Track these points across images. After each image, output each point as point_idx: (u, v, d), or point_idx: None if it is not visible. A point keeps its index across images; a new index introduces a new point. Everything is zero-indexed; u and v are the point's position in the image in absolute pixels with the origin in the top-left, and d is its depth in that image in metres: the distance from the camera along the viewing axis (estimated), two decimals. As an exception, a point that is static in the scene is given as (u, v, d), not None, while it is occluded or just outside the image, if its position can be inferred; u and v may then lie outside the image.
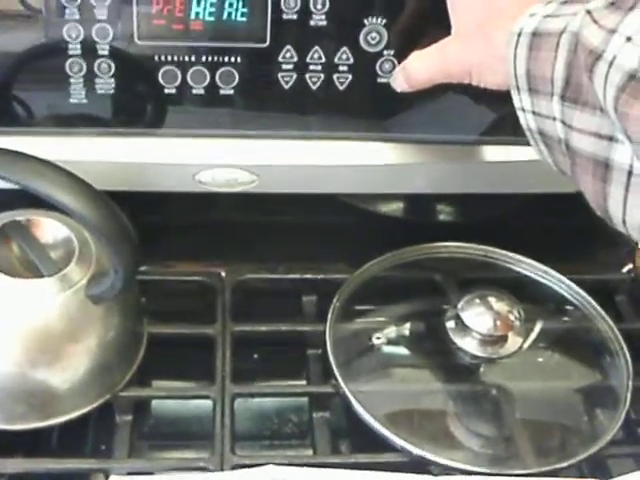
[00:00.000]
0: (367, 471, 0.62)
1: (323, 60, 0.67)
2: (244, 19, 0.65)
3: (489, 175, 0.74)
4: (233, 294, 0.76)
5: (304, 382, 0.73)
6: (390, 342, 0.73)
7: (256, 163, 0.71)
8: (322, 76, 0.68)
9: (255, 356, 0.77)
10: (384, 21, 0.66)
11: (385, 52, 0.67)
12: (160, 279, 0.77)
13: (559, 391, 0.72)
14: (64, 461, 0.64)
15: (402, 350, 0.74)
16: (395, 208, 0.86)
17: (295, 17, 0.65)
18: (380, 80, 0.68)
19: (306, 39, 0.66)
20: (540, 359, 0.74)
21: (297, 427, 0.72)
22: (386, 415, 0.66)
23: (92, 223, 0.58)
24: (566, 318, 0.77)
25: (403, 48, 0.65)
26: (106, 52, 0.65)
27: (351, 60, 0.67)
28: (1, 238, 0.65)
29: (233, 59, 0.67)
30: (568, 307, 0.77)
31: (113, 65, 0.66)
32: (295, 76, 0.67)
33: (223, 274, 0.78)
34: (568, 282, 0.77)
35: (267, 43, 0.66)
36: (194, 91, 0.68)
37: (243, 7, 0.65)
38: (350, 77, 0.68)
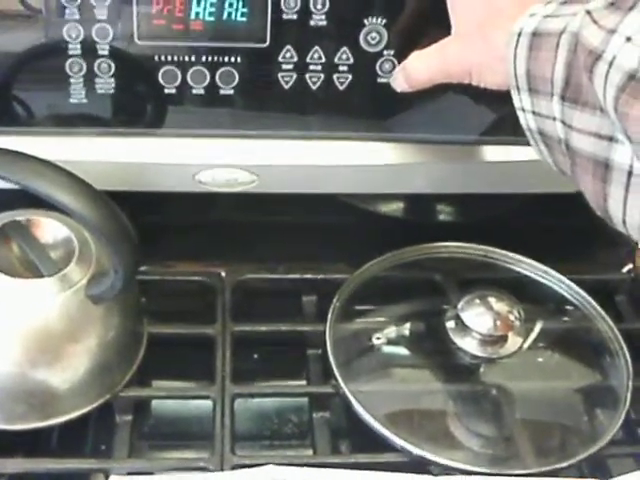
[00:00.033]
0: (367, 471, 0.62)
1: (323, 60, 0.67)
2: (244, 19, 0.65)
3: (489, 175, 0.74)
4: (233, 294, 0.76)
5: (304, 382, 0.73)
6: (390, 342, 0.73)
7: (256, 163, 0.71)
8: (322, 76, 0.68)
9: (255, 356, 0.77)
10: (384, 21, 0.66)
11: (385, 52, 0.67)
12: (160, 279, 0.77)
13: (559, 391, 0.72)
14: (64, 461, 0.64)
15: (402, 350, 0.74)
16: (395, 208, 0.86)
17: (295, 17, 0.65)
18: (380, 80, 0.68)
19: (306, 39, 0.66)
20: (540, 359, 0.74)
21: (297, 427, 0.72)
22: (386, 415, 0.66)
23: (92, 223, 0.58)
24: (566, 318, 0.77)
25: (403, 48, 0.65)
26: (106, 52, 0.65)
27: (351, 60, 0.67)
28: (1, 238, 0.65)
29: (233, 59, 0.67)
30: (568, 307, 0.77)
31: (113, 65, 0.66)
32: (295, 76, 0.67)
33: (223, 274, 0.78)
34: (568, 282, 0.77)
35: (267, 43, 0.66)
36: (194, 91, 0.68)
37: (243, 7, 0.65)
38: (350, 77, 0.68)
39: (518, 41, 0.53)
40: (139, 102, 0.69)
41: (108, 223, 0.58)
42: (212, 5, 0.64)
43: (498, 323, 0.70)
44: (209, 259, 0.81)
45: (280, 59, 0.67)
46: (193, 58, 0.66)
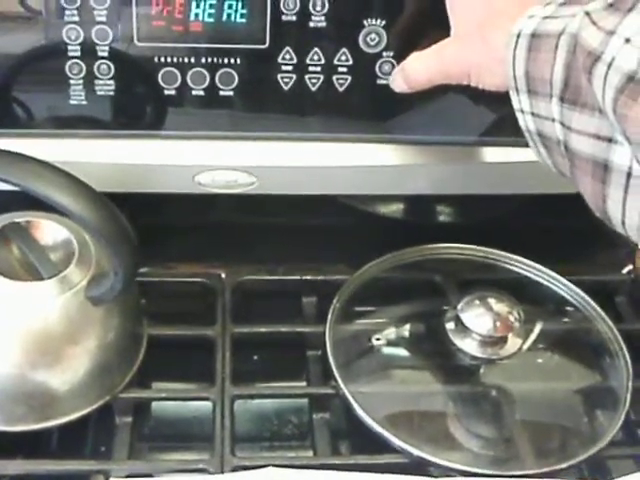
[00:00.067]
0: (367, 472, 0.62)
1: (322, 61, 0.67)
2: (243, 20, 0.65)
3: (489, 176, 0.74)
4: (233, 295, 0.76)
5: (304, 383, 0.73)
6: (390, 343, 0.73)
7: (256, 164, 0.71)
8: (321, 77, 0.68)
9: (255, 357, 0.77)
10: (383, 22, 0.66)
11: (384, 53, 0.67)
12: (160, 280, 0.77)
13: (559, 392, 0.72)
14: (64, 462, 0.64)
15: (402, 351, 0.74)
16: (395, 209, 0.86)
17: (294, 18, 0.65)
18: (379, 81, 0.68)
19: (305, 40, 0.66)
20: (540, 360, 0.74)
21: (297, 428, 0.72)
22: (386, 416, 0.66)
23: (92, 225, 0.58)
24: (566, 319, 0.77)
25: (402, 49, 0.65)
26: (106, 54, 0.65)
27: (350, 61, 0.67)
28: (1, 240, 0.65)
29: (233, 60, 0.67)
30: (568, 308, 0.77)
31: (113, 67, 0.66)
32: (294, 77, 0.67)
33: (223, 275, 0.78)
34: (568, 283, 0.77)
35: (266, 44, 0.66)
36: (194, 92, 0.68)
37: (242, 8, 0.65)
38: (349, 78, 0.68)
39: (517, 42, 0.53)
40: (139, 104, 0.69)
41: (108, 225, 0.58)
42: (211, 6, 0.65)
43: (498, 324, 0.70)
44: (209, 260, 0.81)
45: (279, 60, 0.67)
46: (193, 59, 0.66)
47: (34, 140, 0.67)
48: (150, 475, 0.64)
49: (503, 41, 0.54)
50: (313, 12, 0.65)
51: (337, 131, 0.71)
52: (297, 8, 0.65)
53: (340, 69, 0.67)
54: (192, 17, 0.65)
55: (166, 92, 0.67)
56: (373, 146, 0.71)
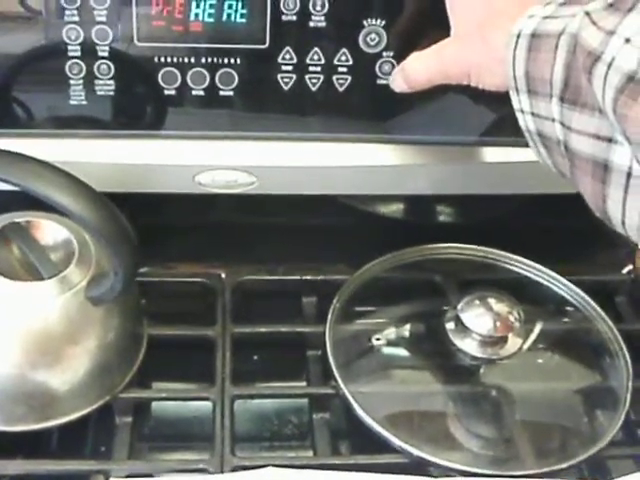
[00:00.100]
0: (367, 473, 0.62)
1: (322, 61, 0.67)
2: (243, 20, 0.65)
3: (489, 176, 0.74)
4: (233, 295, 0.76)
5: (304, 383, 0.73)
6: (390, 343, 0.73)
7: (256, 164, 0.71)
8: (321, 77, 0.68)
9: (255, 357, 0.77)
10: (383, 22, 0.66)
11: (384, 53, 0.67)
12: (160, 280, 0.78)
13: (559, 392, 0.72)
14: (64, 462, 0.64)
15: (402, 351, 0.74)
16: (395, 209, 0.86)
17: (294, 18, 0.65)
18: (379, 81, 0.68)
19: (305, 40, 0.66)
20: (540, 360, 0.74)
21: (297, 428, 0.72)
22: (386, 416, 0.66)
23: (92, 225, 0.58)
24: (566, 319, 0.77)
25: (402, 49, 0.65)
26: (106, 54, 0.65)
27: (350, 61, 0.67)
28: (1, 240, 0.65)
29: (233, 60, 0.67)
30: (568, 308, 0.77)
31: (113, 67, 0.66)
32: (294, 77, 0.67)
33: (223, 275, 0.78)
34: (568, 283, 0.77)
35: (266, 44, 0.66)
36: (194, 92, 0.68)
37: (242, 8, 0.65)
38: (349, 78, 0.68)
39: (517, 42, 0.53)
40: (139, 104, 0.69)
41: (108, 225, 0.58)
42: (211, 6, 0.65)
43: (498, 324, 0.70)
44: (209, 260, 0.81)
45: (279, 60, 0.67)
46: (193, 59, 0.66)
47: (34, 140, 0.67)
48: (150, 475, 0.64)
49: (503, 41, 0.54)
50: (313, 12, 0.65)
51: (337, 131, 0.71)
52: (297, 8, 0.65)
53: (340, 69, 0.67)
54: (192, 17, 0.65)
55: (166, 92, 0.67)
56: (373, 146, 0.71)
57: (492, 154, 0.72)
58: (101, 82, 0.66)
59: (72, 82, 0.66)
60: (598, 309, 0.75)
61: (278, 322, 0.75)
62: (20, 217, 0.66)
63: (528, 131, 0.55)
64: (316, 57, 0.67)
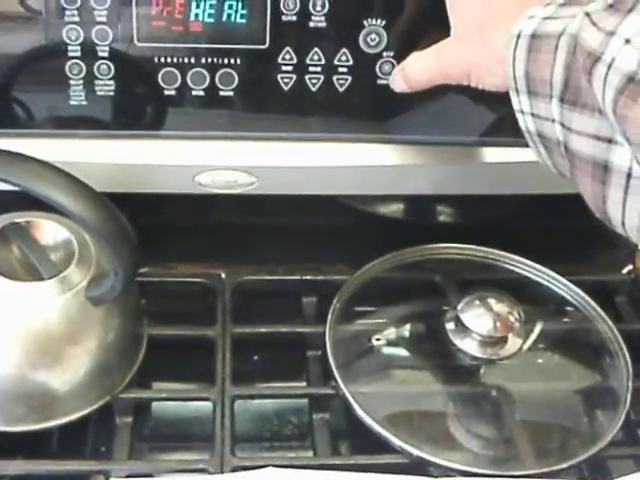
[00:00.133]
0: (367, 472, 0.62)
1: (322, 61, 0.67)
2: (243, 21, 0.65)
3: (489, 176, 0.74)
4: (233, 295, 0.76)
5: (304, 383, 0.73)
6: (390, 343, 0.73)
7: (256, 165, 0.71)
8: (322, 77, 0.68)
9: (255, 358, 0.77)
10: (383, 22, 0.66)
11: (385, 53, 0.67)
12: (160, 281, 0.78)
13: (559, 392, 0.72)
14: (64, 463, 0.64)
15: (402, 351, 0.74)
16: (395, 209, 0.86)
17: (294, 18, 0.65)
18: (380, 81, 0.68)
19: (305, 40, 0.66)
20: (540, 360, 0.74)
21: (297, 428, 0.72)
22: (386, 416, 0.66)
23: (92, 225, 0.58)
24: (566, 319, 0.77)
25: (403, 49, 0.65)
26: (106, 54, 0.65)
27: (350, 61, 0.67)
28: (1, 240, 0.65)
29: (233, 61, 0.67)
30: (568, 308, 0.77)
31: (113, 67, 0.66)
32: (295, 77, 0.67)
33: (223, 276, 0.78)
34: (568, 283, 0.77)
35: (266, 44, 0.66)
36: (194, 93, 0.68)
37: (242, 9, 0.65)
38: (350, 78, 0.68)
39: (517, 43, 0.53)
40: (139, 104, 0.69)
41: (108, 225, 0.58)
42: (211, 7, 0.65)
43: (498, 324, 0.70)
44: (209, 261, 0.81)
45: (280, 60, 0.67)
46: (193, 60, 0.66)
47: (34, 140, 0.67)
48: (150, 475, 0.64)
49: (503, 41, 0.54)
50: (313, 12, 0.65)
51: (337, 131, 0.71)
52: (297, 8, 0.65)
53: (340, 69, 0.67)
54: (192, 17, 0.65)
55: (166, 92, 0.67)
56: (373, 146, 0.71)
57: (492, 154, 0.72)
58: (101, 82, 0.67)
59: (72, 82, 0.66)
60: (598, 309, 0.75)
61: (278, 322, 0.75)
62: (20, 217, 0.66)
63: (528, 132, 0.55)
64: (316, 57, 0.67)
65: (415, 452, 0.63)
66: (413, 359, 0.74)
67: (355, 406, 0.66)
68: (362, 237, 0.83)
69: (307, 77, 0.67)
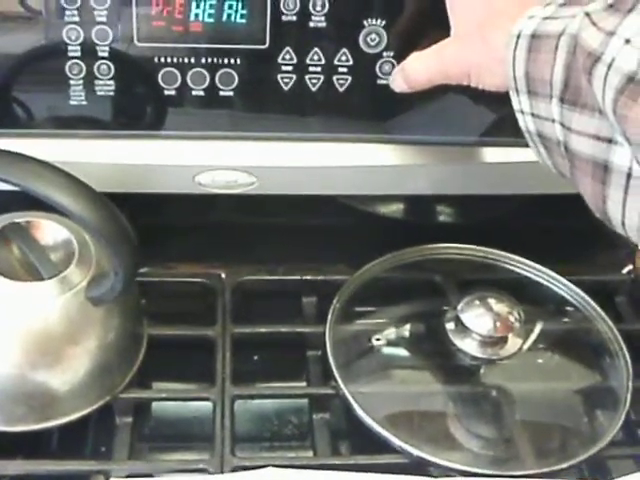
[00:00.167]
0: (367, 472, 0.62)
1: (323, 61, 0.67)
2: (243, 21, 0.65)
3: (489, 176, 0.74)
4: (233, 295, 0.76)
5: (304, 384, 0.73)
6: (390, 343, 0.73)
7: (256, 165, 0.71)
8: (322, 77, 0.68)
9: (255, 358, 0.77)
10: (383, 22, 0.66)
11: (385, 53, 0.67)
12: (160, 281, 0.78)
13: (559, 392, 0.72)
14: (64, 463, 0.64)
15: (402, 351, 0.74)
16: (395, 209, 0.86)
17: (294, 18, 0.65)
18: (380, 81, 0.68)
19: (305, 40, 0.66)
20: (540, 360, 0.74)
21: (297, 428, 0.72)
22: (386, 416, 0.66)
23: (92, 225, 0.58)
24: (566, 319, 0.77)
25: (403, 49, 0.65)
26: (106, 54, 0.65)
27: (351, 61, 0.67)
28: (1, 240, 0.65)
29: (233, 61, 0.67)
30: (568, 308, 0.77)
31: (113, 67, 0.66)
32: (295, 77, 0.67)
33: (223, 276, 0.78)
34: (568, 283, 0.77)
35: (266, 44, 0.66)
36: (194, 93, 0.68)
37: (242, 9, 0.65)
38: (350, 78, 0.68)
39: (517, 43, 0.53)
40: (139, 104, 0.69)
41: (108, 225, 0.58)
42: (211, 7, 0.65)
43: (498, 324, 0.70)
44: (209, 261, 0.81)
45: (280, 60, 0.67)
46: (193, 60, 0.66)
47: (34, 140, 0.67)
48: (150, 475, 0.64)
49: (503, 41, 0.54)
50: (313, 12, 0.65)
51: (337, 131, 0.71)
52: (297, 8, 0.65)
53: (340, 69, 0.67)
54: (192, 17, 0.65)
55: (166, 92, 0.67)
56: (373, 146, 0.71)
57: (492, 154, 0.72)
58: (101, 82, 0.67)
59: (72, 82, 0.66)
60: (598, 309, 0.75)
61: (278, 322, 0.75)
62: (20, 217, 0.66)
63: (528, 132, 0.55)
64: (316, 57, 0.67)
65: (415, 452, 0.63)
66: (413, 359, 0.74)
67: (355, 406, 0.66)
68: (362, 237, 0.83)
69: (307, 77, 0.67)
